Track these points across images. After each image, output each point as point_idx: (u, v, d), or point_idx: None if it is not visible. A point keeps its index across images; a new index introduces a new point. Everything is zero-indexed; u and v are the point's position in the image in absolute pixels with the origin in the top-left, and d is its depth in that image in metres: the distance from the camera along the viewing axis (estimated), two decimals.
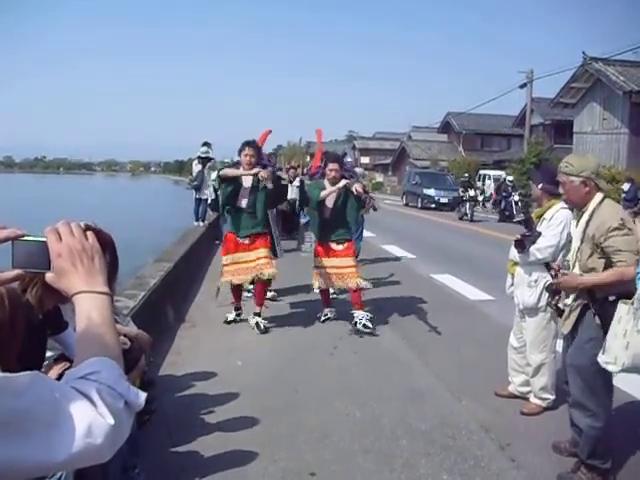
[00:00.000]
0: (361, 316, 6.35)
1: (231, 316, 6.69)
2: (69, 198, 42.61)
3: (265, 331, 6.31)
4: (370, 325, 6.28)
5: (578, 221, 3.51)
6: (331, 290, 7.02)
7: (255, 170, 6.12)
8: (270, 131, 7.32)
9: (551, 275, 3.71)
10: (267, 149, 7.16)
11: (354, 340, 6.12)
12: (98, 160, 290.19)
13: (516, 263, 4.58)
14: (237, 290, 6.69)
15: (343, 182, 6.32)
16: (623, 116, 23.54)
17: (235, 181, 6.31)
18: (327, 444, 3.85)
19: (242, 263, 6.37)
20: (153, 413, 3.96)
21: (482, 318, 7.35)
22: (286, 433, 4.00)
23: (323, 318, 6.80)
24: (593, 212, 3.36)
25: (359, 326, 6.28)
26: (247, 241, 6.38)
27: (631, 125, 23.15)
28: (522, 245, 4.31)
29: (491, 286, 8.94)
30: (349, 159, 7.64)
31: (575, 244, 3.50)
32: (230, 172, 6.35)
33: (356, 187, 6.13)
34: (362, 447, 3.81)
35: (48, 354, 3.11)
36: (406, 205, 30.72)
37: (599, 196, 3.40)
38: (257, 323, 6.36)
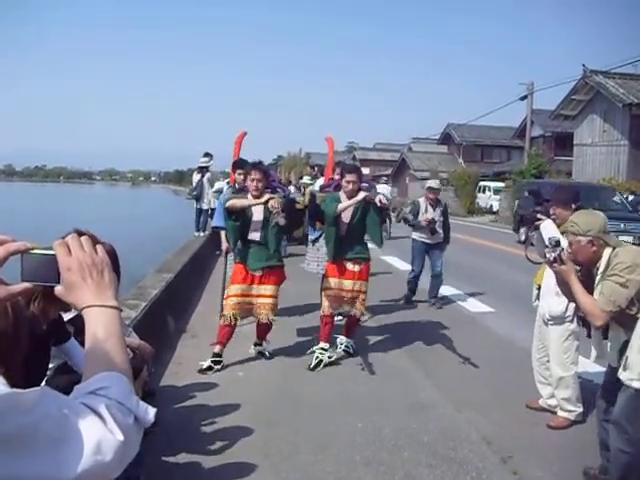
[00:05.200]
0: (346, 341, 6.06)
1: (206, 364, 5.47)
2: (69, 208, 42.57)
3: (271, 357, 5.85)
4: (351, 350, 6.01)
5: (595, 280, 3.37)
6: (338, 318, 6.31)
7: (265, 198, 5.36)
8: (245, 133, 6.60)
9: (554, 257, 3.42)
10: (266, 159, 6.83)
11: (355, 350, 6.10)
12: (98, 169, 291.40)
13: (542, 274, 4.53)
14: (229, 330, 5.66)
15: (362, 194, 5.55)
16: (623, 128, 23.61)
17: (244, 214, 5.54)
18: (328, 455, 3.84)
19: (247, 297, 5.60)
20: (156, 424, 3.95)
21: (482, 330, 7.36)
22: (287, 444, 3.99)
23: (314, 362, 5.63)
24: (609, 262, 3.26)
25: (339, 349, 5.99)
26: (259, 273, 5.60)
27: (631, 137, 23.21)
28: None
29: (491, 298, 8.99)
30: None
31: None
32: (238, 203, 5.50)
33: (380, 198, 5.45)
34: (363, 458, 3.81)
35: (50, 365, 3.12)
36: (522, 243, 14.13)
37: (608, 250, 3.30)
38: (260, 352, 5.89)
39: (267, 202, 5.34)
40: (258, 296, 5.61)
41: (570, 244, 3.41)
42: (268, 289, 5.63)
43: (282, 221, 5.28)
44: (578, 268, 3.43)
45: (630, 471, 3.22)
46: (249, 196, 5.56)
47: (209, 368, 5.45)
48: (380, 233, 5.85)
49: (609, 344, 3.40)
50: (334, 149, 7.42)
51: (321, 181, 7.68)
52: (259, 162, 5.75)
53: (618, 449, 3.24)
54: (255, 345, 5.95)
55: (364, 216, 5.72)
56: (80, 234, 1.14)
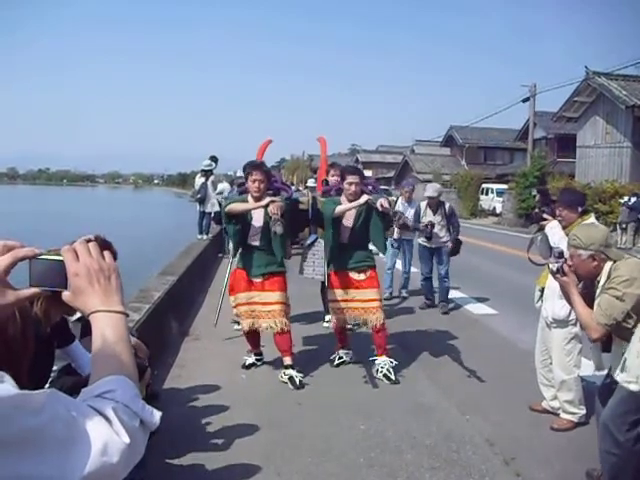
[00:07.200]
0: (383, 363, 5.44)
1: (250, 360, 5.74)
2: (72, 210, 42.62)
3: (301, 386, 5.19)
4: (392, 376, 5.34)
5: (595, 294, 3.36)
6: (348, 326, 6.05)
7: (265, 201, 5.13)
8: (270, 141, 6.58)
9: (556, 268, 3.45)
10: (269, 162, 6.75)
11: (357, 353, 6.09)
12: (101, 172, 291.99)
13: (545, 277, 4.53)
14: (253, 336, 5.67)
15: (364, 197, 5.24)
16: (626, 130, 23.56)
17: (243, 219, 5.32)
18: (331, 457, 3.85)
19: (257, 304, 5.38)
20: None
21: (486, 332, 7.36)
22: (290, 446, 4.01)
23: (337, 362, 5.79)
24: (609, 275, 3.24)
25: (379, 374, 5.39)
26: (260, 279, 5.39)
27: (634, 139, 23.15)
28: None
29: (494, 300, 8.98)
30: None
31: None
32: (237, 207, 5.27)
33: (381, 202, 5.11)
34: (367, 461, 3.82)
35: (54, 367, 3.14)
36: None
37: (609, 263, 3.27)
38: (291, 377, 5.23)
39: (267, 206, 5.13)
40: (263, 304, 5.38)
41: (571, 257, 3.39)
42: (272, 296, 5.37)
43: (279, 229, 4.99)
44: (578, 282, 3.44)
45: (619, 472, 3.21)
46: (249, 198, 5.35)
47: (253, 364, 5.75)
48: (383, 239, 5.58)
49: (611, 357, 3.38)
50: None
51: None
52: (261, 163, 5.53)
53: (606, 451, 3.25)
54: (286, 368, 5.35)
55: (367, 221, 5.46)
56: (90, 240, 1.16)
